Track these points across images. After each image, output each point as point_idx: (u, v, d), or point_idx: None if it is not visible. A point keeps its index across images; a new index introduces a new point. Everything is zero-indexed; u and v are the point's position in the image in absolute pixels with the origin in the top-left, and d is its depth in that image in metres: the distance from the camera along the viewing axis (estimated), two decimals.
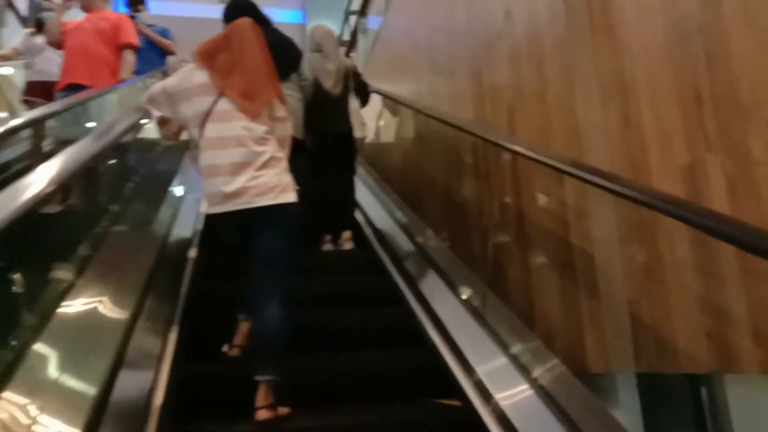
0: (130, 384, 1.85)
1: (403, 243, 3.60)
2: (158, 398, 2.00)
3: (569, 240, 2.53)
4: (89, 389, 1.60)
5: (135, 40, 3.93)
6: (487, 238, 2.98)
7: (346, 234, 3.91)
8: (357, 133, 3.84)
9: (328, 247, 3.88)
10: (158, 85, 2.32)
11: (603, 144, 2.37)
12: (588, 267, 2.41)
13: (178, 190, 3.76)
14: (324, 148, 3.76)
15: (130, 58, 3.86)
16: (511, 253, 2.90)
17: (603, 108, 2.38)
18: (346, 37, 7.77)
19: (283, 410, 2.11)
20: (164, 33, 5.00)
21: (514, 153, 2.65)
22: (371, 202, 4.43)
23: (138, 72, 4.04)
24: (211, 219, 2.33)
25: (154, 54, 4.79)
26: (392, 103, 4.95)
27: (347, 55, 7.05)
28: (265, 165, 2.21)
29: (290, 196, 2.25)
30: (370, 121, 5.25)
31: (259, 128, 2.24)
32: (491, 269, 2.78)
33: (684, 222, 1.68)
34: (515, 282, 2.84)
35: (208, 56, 2.28)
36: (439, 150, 3.90)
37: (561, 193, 2.60)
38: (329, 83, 3.80)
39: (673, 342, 2.01)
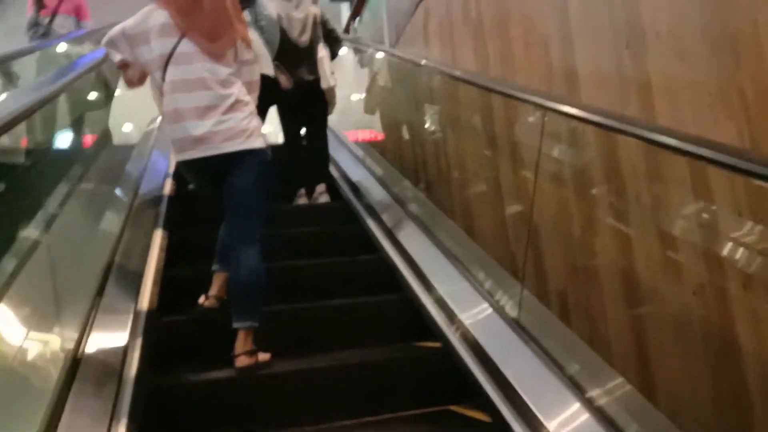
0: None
1: None
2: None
3: None
4: None
5: None
6: None
7: (320, 187, 3.84)
8: (324, 83, 3.71)
9: (302, 201, 3.82)
10: (117, 27, 2.19)
11: None
12: None
13: None
14: (291, 98, 3.66)
15: None
16: None
17: None
18: None
19: (263, 356, 2.10)
20: None
21: None
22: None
23: None
24: (179, 167, 2.26)
25: None
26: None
27: (348, 25, 6.60)
28: (231, 108, 2.13)
29: (258, 141, 2.18)
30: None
31: (223, 70, 2.16)
32: None
33: None
34: None
35: None
36: None
37: None
38: (295, 33, 3.66)
39: None
